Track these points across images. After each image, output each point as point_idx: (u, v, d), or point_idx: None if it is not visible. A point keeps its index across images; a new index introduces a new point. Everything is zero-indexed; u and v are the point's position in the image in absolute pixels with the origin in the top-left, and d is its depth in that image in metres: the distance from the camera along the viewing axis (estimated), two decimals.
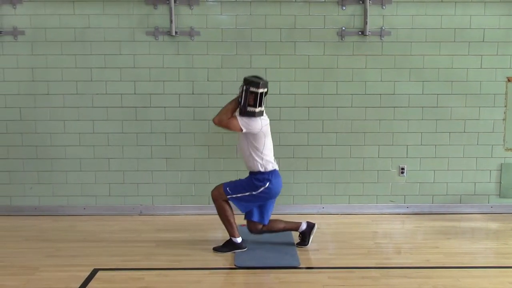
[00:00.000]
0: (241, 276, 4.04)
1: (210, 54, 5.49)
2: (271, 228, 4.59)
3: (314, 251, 4.53)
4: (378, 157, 5.66)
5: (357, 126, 5.61)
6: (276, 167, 4.46)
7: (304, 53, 5.49)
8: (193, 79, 5.53)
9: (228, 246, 4.49)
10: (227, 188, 4.41)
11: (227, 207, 4.44)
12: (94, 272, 4.03)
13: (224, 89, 5.50)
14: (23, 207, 5.66)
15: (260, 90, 4.26)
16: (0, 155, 5.60)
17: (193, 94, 5.55)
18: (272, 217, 4.63)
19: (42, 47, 5.46)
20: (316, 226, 4.65)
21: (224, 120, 4.29)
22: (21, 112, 5.55)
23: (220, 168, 5.62)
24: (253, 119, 4.28)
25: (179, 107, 5.56)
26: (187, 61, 5.50)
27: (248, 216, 4.54)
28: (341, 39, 5.49)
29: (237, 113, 4.35)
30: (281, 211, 5.53)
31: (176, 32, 5.41)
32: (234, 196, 4.40)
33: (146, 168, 5.63)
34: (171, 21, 5.37)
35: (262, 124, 4.33)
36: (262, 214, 4.52)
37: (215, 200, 4.46)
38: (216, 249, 4.50)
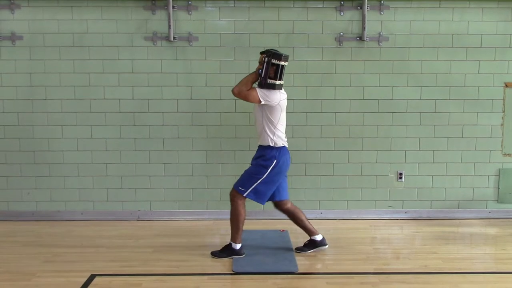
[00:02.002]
0: (239, 281, 4.02)
1: (208, 60, 5.50)
2: (294, 215, 4.61)
3: (312, 257, 4.52)
4: (376, 162, 5.66)
5: (355, 131, 5.62)
6: (286, 144, 4.47)
7: (302, 58, 5.50)
8: (191, 84, 5.53)
9: (227, 251, 4.47)
10: (239, 188, 4.39)
11: (242, 211, 4.41)
12: (92, 277, 4.01)
13: (222, 94, 5.50)
14: (21, 212, 5.64)
15: (282, 63, 4.31)
16: None
17: (191, 99, 5.55)
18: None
19: (40, 52, 5.46)
20: (327, 247, 4.64)
21: (243, 91, 4.30)
22: (18, 117, 5.54)
23: (218, 173, 5.62)
24: (272, 91, 4.31)
25: (177, 112, 5.56)
26: (185, 66, 5.51)
27: (270, 199, 4.54)
28: (339, 45, 5.51)
29: (256, 85, 4.37)
30: (279, 216, 5.51)
31: (174, 38, 5.42)
32: (248, 191, 4.37)
33: (144, 173, 5.63)
34: (169, 27, 5.38)
35: (280, 97, 4.36)
36: (279, 192, 4.54)
37: (232, 200, 4.44)
38: (214, 254, 4.49)
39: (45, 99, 5.52)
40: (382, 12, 5.47)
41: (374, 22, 5.48)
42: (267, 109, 4.33)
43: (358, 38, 5.49)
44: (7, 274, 4.10)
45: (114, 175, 5.62)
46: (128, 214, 5.67)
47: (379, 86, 5.56)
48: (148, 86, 5.52)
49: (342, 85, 5.55)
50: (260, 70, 4.31)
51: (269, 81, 4.29)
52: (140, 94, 5.53)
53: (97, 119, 5.54)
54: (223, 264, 4.33)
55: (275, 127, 4.36)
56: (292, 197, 5.64)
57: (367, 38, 5.46)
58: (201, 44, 5.48)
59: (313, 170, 5.65)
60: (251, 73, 4.39)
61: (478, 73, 5.56)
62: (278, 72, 4.31)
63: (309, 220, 5.52)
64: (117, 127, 5.56)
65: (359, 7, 5.44)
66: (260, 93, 4.28)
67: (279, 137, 4.39)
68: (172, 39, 5.40)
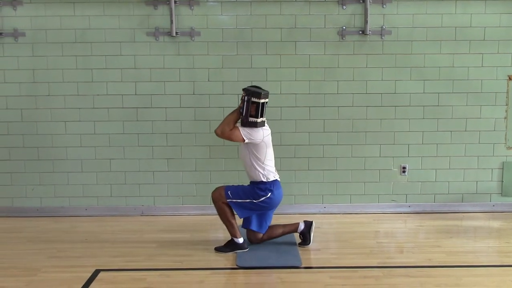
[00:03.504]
0: (243, 276, 4.04)
1: (211, 55, 5.49)
2: (270, 235, 4.62)
3: (315, 251, 4.53)
4: (380, 157, 5.66)
5: (358, 126, 5.61)
6: (278, 177, 4.48)
7: (304, 52, 5.49)
8: (194, 79, 5.53)
9: (230, 246, 4.49)
10: (228, 192, 4.41)
11: (227, 208, 4.44)
12: (96, 273, 4.03)
13: (225, 89, 5.50)
14: (25, 208, 5.66)
15: (262, 100, 4.31)
16: (2, 157, 5.60)
17: (194, 94, 5.55)
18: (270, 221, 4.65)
19: (43, 48, 5.46)
20: (314, 223, 4.65)
21: (226, 131, 4.31)
22: (22, 113, 5.55)
23: (221, 168, 5.62)
24: (255, 129, 4.32)
25: (180, 107, 5.56)
26: (188, 61, 5.50)
27: (246, 225, 4.57)
28: (342, 39, 5.49)
29: (238, 124, 4.38)
30: (282, 211, 5.52)
31: (176, 33, 5.41)
32: (234, 200, 4.40)
33: (148, 168, 5.64)
34: (171, 22, 5.37)
35: (264, 134, 4.36)
36: (260, 223, 4.56)
37: (215, 201, 4.46)
38: (218, 249, 4.50)
39: (48, 95, 5.52)
40: (384, 6, 5.45)
41: (376, 15, 5.45)
42: (253, 147, 4.35)
43: (360, 32, 5.47)
44: (12, 270, 4.12)
45: (117, 171, 5.63)
46: (132, 209, 5.68)
47: (382, 80, 5.55)
48: (150, 81, 5.52)
49: (345, 79, 5.54)
50: (241, 109, 4.31)
51: (251, 119, 4.29)
52: (142, 89, 5.53)
53: (100, 115, 5.55)
54: (227, 259, 4.34)
55: (263, 162, 4.37)
56: (295, 192, 5.68)
57: (370, 32, 5.44)
58: (203, 39, 5.47)
59: (316, 165, 5.65)
60: (232, 112, 4.39)
61: (482, 66, 5.54)
62: (259, 109, 4.30)
63: (312, 214, 5.55)
64: (120, 122, 5.57)
65: (361, 1, 5.42)
66: (243, 132, 4.29)
67: (269, 171, 4.41)
68: (174, 34, 5.39)
